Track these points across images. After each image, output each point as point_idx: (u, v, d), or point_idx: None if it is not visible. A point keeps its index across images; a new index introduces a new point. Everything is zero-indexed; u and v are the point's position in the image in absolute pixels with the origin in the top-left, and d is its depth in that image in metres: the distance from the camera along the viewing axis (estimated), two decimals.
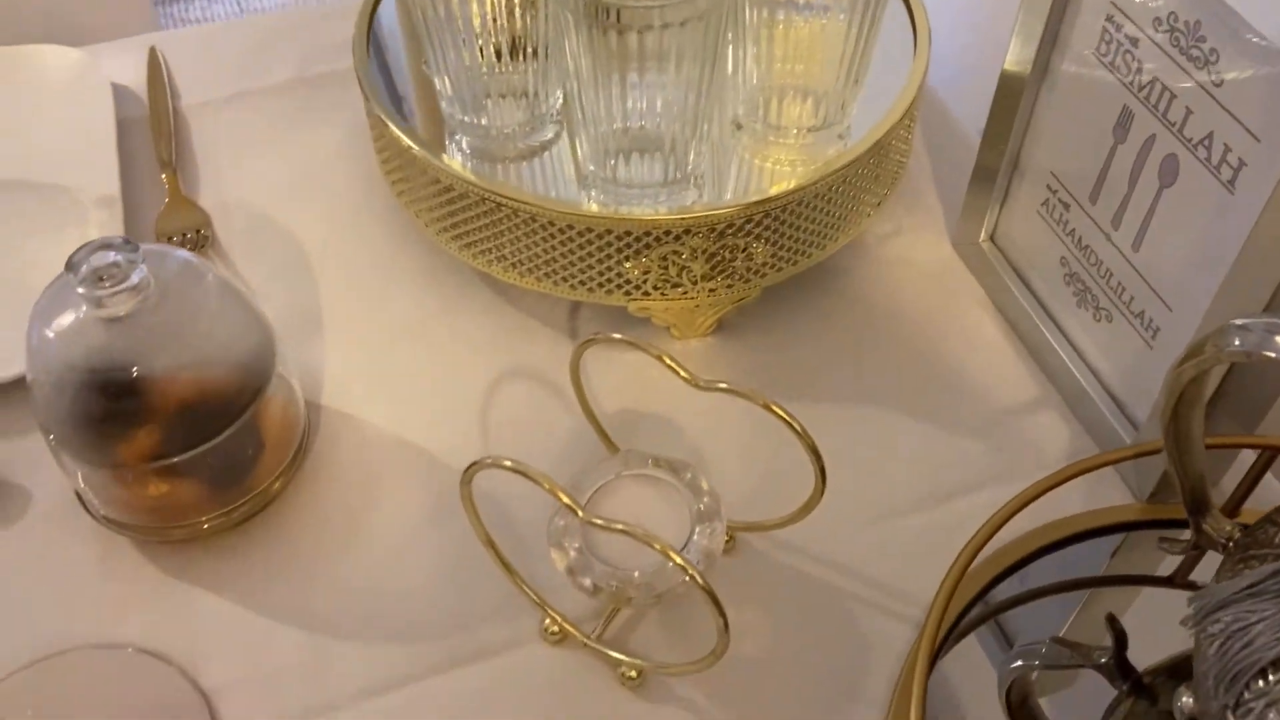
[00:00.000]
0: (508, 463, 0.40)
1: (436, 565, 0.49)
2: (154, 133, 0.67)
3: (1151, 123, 0.45)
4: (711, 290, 0.55)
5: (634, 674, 0.45)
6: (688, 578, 0.39)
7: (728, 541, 0.50)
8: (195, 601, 0.48)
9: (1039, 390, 0.56)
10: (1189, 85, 0.43)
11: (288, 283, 0.61)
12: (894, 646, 0.47)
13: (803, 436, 0.42)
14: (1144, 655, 0.43)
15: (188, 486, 0.48)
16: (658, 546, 0.38)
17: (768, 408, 0.42)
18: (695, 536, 0.45)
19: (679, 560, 0.38)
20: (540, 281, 0.55)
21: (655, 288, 0.54)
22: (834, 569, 0.49)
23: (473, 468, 0.41)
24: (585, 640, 0.46)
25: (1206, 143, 0.43)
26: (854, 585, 0.49)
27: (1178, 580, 0.52)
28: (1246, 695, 0.36)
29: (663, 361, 0.43)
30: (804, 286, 0.60)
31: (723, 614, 0.39)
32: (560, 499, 0.39)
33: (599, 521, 0.39)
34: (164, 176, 0.65)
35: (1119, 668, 0.43)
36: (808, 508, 0.45)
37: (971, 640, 0.49)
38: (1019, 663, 0.49)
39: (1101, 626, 0.46)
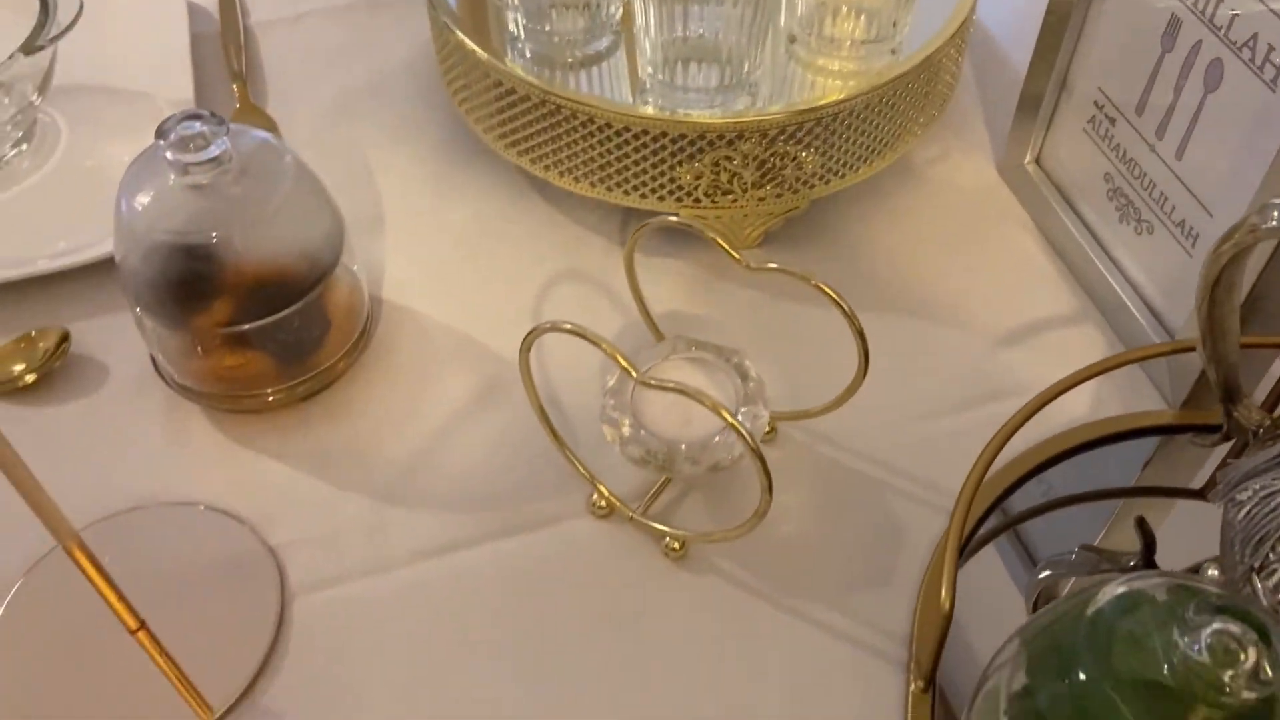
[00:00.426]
0: (567, 325, 0.42)
1: (489, 445, 0.52)
2: (225, 46, 0.70)
3: (1198, 29, 0.47)
4: (760, 199, 0.57)
5: (677, 545, 0.47)
6: (735, 437, 0.40)
7: (769, 432, 0.51)
8: (261, 468, 0.51)
9: (1078, 305, 0.57)
10: None
11: (350, 189, 0.63)
12: (926, 535, 0.49)
13: (850, 318, 0.44)
14: (1173, 563, 0.45)
15: (257, 359, 0.50)
16: (708, 403, 0.40)
17: (817, 286, 0.44)
18: (740, 416, 0.46)
19: (728, 417, 0.40)
20: (594, 187, 0.57)
21: (706, 194, 0.56)
22: (870, 463, 0.51)
23: (533, 333, 0.43)
24: (631, 514, 0.48)
25: (1251, 44, 0.44)
26: (890, 478, 0.51)
27: (1208, 493, 0.53)
28: (1271, 557, 0.37)
29: (716, 242, 0.45)
30: (850, 205, 0.61)
31: (767, 472, 0.41)
32: (618, 360, 0.41)
33: (653, 382, 0.41)
34: (234, 87, 0.67)
35: (1147, 570, 0.44)
36: (850, 391, 0.47)
37: (999, 559, 0.50)
38: (1048, 572, 0.50)
39: (1132, 538, 0.47)
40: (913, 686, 0.43)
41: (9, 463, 0.38)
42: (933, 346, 0.56)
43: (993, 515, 0.50)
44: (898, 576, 0.47)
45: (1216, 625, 0.30)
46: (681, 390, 0.40)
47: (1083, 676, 0.33)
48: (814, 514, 0.49)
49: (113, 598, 0.43)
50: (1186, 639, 0.31)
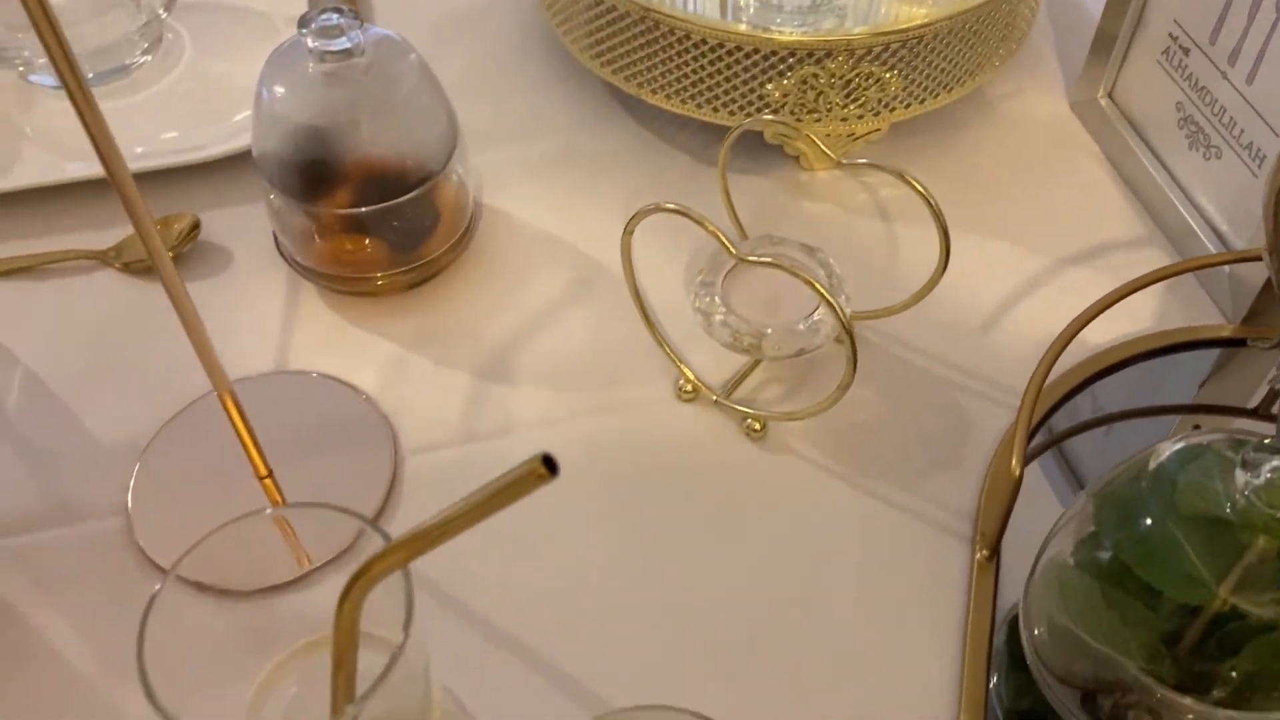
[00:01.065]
0: (670, 205, 0.45)
1: (581, 333, 0.56)
2: None
3: None
4: (844, 119, 0.60)
5: (758, 426, 0.51)
6: (819, 324, 0.44)
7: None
8: (370, 346, 0.55)
9: (1146, 232, 0.59)
10: None
11: (453, 103, 0.67)
12: (993, 428, 0.52)
13: (936, 215, 0.47)
14: None
15: (372, 244, 0.54)
16: (804, 276, 0.43)
17: (907, 181, 0.47)
18: (822, 309, 0.50)
19: (821, 289, 0.43)
20: (685, 104, 0.60)
21: (793, 112, 0.59)
22: (940, 363, 0.54)
23: (636, 216, 0.47)
24: (715, 397, 0.52)
25: None
26: (959, 377, 0.54)
27: (1261, 411, 0.56)
28: None
29: (808, 138, 0.48)
30: (927, 133, 0.64)
31: (853, 344, 0.44)
32: (719, 238, 0.45)
33: (752, 258, 0.44)
34: (343, 6, 0.71)
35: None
36: (931, 284, 0.50)
37: (1049, 488, 0.52)
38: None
39: None
40: (978, 556, 0.47)
41: (187, 316, 0.42)
42: (1002, 265, 0.58)
43: (1042, 432, 0.53)
44: (965, 462, 0.51)
45: (1276, 461, 0.33)
46: (778, 264, 0.43)
47: (1148, 520, 0.36)
48: (886, 405, 0.53)
49: (250, 444, 0.47)
50: (1247, 475, 0.34)
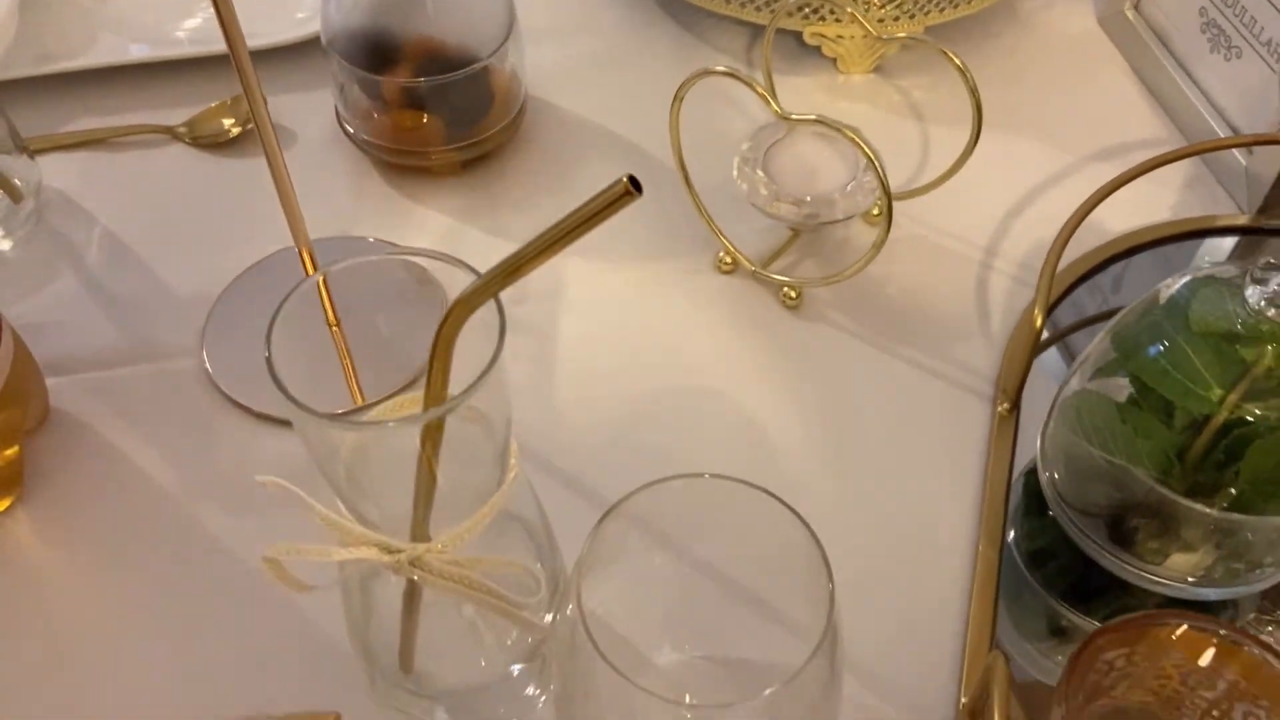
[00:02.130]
0: (720, 68, 0.48)
1: (627, 211, 0.58)
2: None
3: None
4: (880, 20, 0.62)
5: (794, 294, 0.54)
6: (856, 196, 0.47)
7: (877, 214, 0.58)
8: (425, 218, 0.58)
9: (1167, 133, 0.62)
10: None
11: None
12: (1016, 304, 0.55)
13: (967, 80, 0.50)
14: None
15: (429, 120, 0.57)
16: (848, 133, 0.46)
17: (941, 51, 0.50)
18: (858, 177, 0.53)
19: (858, 140, 0.46)
20: (728, 3, 0.63)
21: (831, 12, 0.62)
22: (967, 244, 0.57)
23: (687, 83, 0.50)
24: (753, 268, 0.55)
25: None
26: (986, 258, 0.57)
27: None
28: None
29: (852, 14, 0.51)
30: (959, 40, 0.67)
31: (888, 195, 0.47)
32: (769, 101, 0.48)
33: (795, 116, 0.47)
34: None
35: None
36: (963, 158, 0.53)
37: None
38: None
39: None
40: (999, 409, 0.49)
41: (278, 169, 0.45)
42: (1027, 160, 0.61)
43: (1054, 325, 0.55)
44: (988, 330, 0.53)
45: None
46: (822, 120, 0.46)
47: (1162, 340, 0.39)
48: (915, 281, 0.56)
49: (324, 293, 0.51)
50: (1256, 288, 0.36)
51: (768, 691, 0.29)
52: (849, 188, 0.52)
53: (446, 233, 0.58)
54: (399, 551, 0.31)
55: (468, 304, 0.29)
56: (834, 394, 0.51)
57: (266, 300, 0.53)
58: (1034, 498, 0.48)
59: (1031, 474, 0.48)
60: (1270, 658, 0.32)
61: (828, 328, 0.54)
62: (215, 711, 0.41)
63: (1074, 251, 0.55)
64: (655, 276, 0.56)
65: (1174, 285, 0.40)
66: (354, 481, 0.32)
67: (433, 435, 0.29)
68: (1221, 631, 0.33)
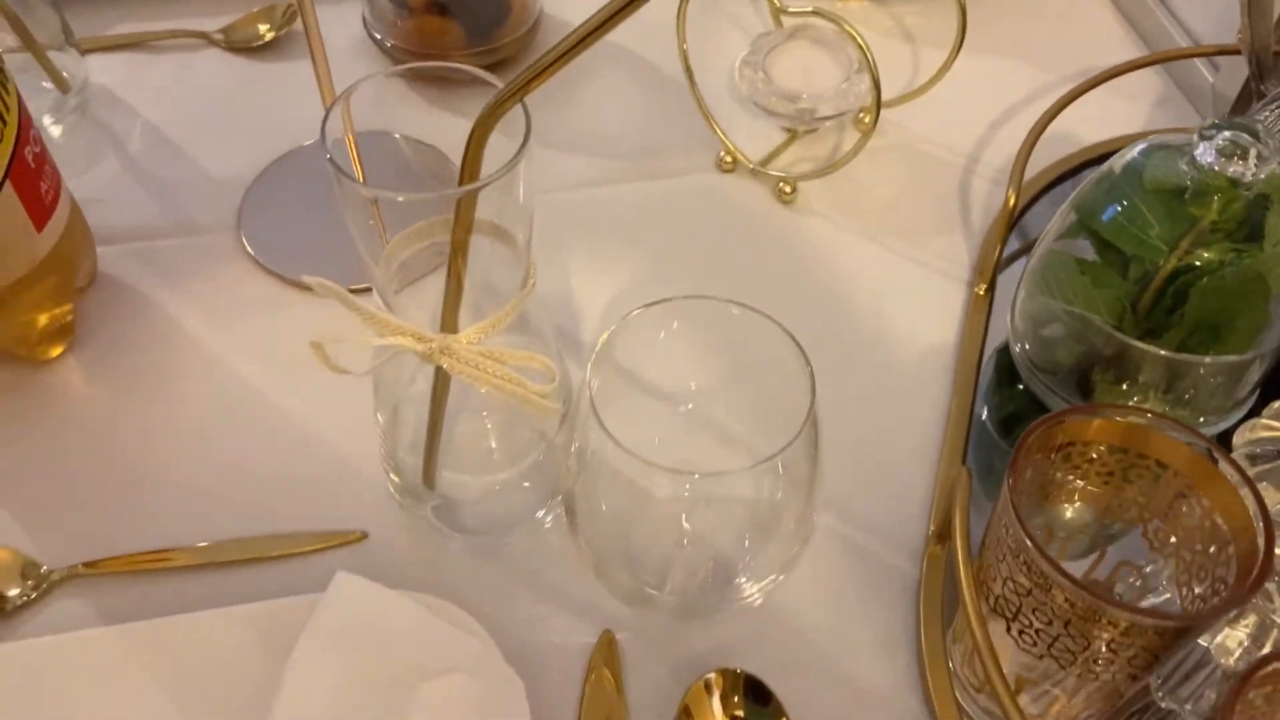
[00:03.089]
0: None
1: (633, 110, 0.63)
2: None
3: None
4: None
5: (789, 189, 0.58)
6: (849, 96, 0.51)
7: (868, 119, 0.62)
8: (445, 122, 0.62)
9: (1139, 52, 0.66)
10: None
11: None
12: (993, 204, 0.58)
13: None
14: None
15: (451, 27, 0.61)
16: (842, 24, 0.50)
17: None
18: (851, 78, 0.57)
19: (851, 30, 0.50)
20: None
21: None
22: (951, 152, 0.61)
23: None
24: (752, 166, 0.59)
25: None
26: (967, 163, 0.61)
27: None
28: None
29: None
30: None
31: (877, 85, 0.51)
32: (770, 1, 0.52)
33: (793, 8, 0.51)
34: None
35: None
36: (947, 64, 0.57)
37: None
38: None
39: None
40: (976, 290, 0.53)
41: (317, 52, 0.49)
42: (1009, 78, 0.65)
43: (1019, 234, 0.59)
44: (969, 225, 0.57)
45: (1227, 132, 0.40)
46: (818, 11, 0.50)
47: (1119, 200, 0.43)
48: (902, 182, 0.60)
49: (356, 161, 0.55)
50: (1203, 146, 0.40)
51: (760, 462, 0.33)
52: (843, 86, 0.56)
53: (464, 136, 0.61)
54: (430, 340, 0.35)
55: (499, 104, 0.33)
56: (823, 279, 0.55)
57: (298, 184, 0.58)
58: (1004, 372, 0.52)
59: (1002, 352, 0.52)
60: (1191, 437, 0.34)
61: (819, 220, 0.58)
62: (249, 528, 0.45)
63: (1049, 160, 0.59)
64: (659, 173, 0.60)
65: (1130, 153, 0.44)
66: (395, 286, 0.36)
67: (464, 220, 0.33)
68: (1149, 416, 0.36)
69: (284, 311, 0.53)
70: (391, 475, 0.43)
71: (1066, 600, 0.32)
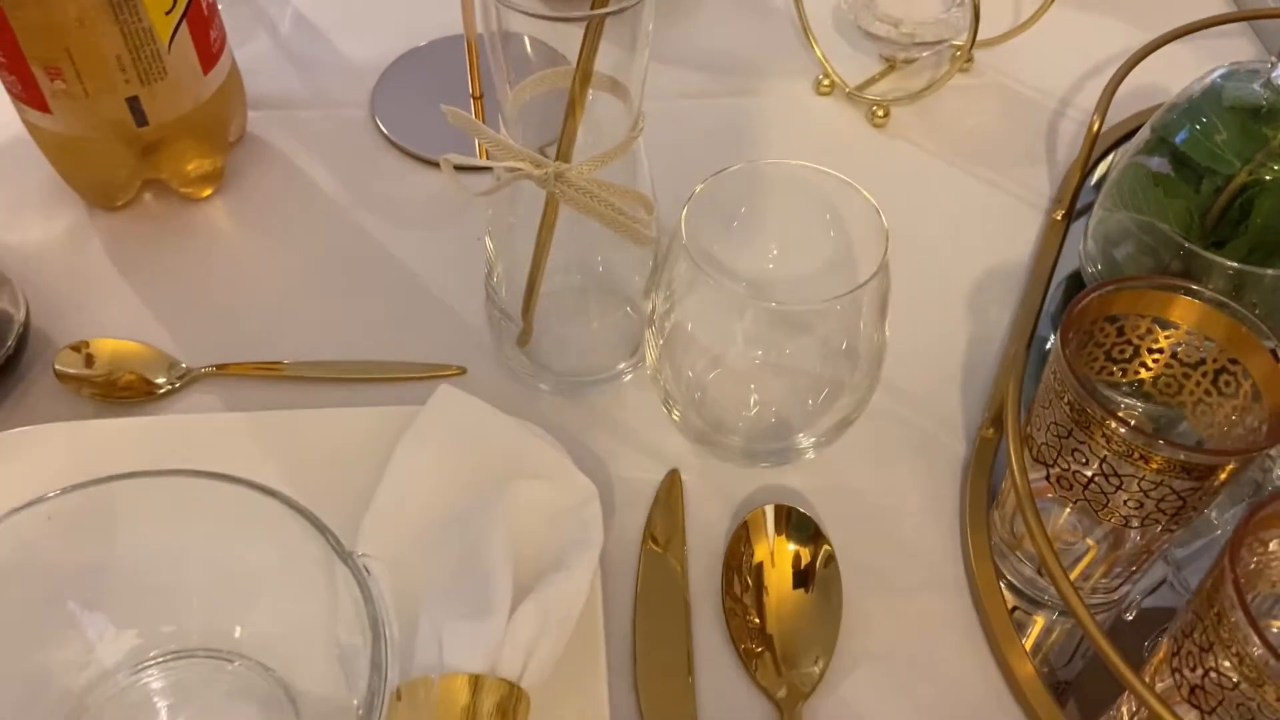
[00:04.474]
0: None
1: (741, 31, 0.66)
2: None
3: None
4: None
5: (882, 113, 0.61)
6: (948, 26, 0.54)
7: (967, 61, 0.64)
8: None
9: (1238, 26, 0.68)
10: None
11: None
12: (1080, 143, 0.61)
13: None
14: None
15: None
16: None
17: None
18: (951, 10, 0.60)
19: None
20: None
21: None
22: (1043, 94, 0.64)
23: None
24: (849, 90, 0.62)
25: None
26: (1058, 105, 0.63)
27: None
28: None
29: None
30: None
31: (975, 9, 0.54)
32: None
33: None
34: None
35: None
36: (1043, 9, 0.59)
37: None
38: None
39: None
40: (1055, 215, 0.56)
41: None
42: (1107, 32, 0.67)
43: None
44: (1052, 161, 0.60)
45: None
46: None
47: (1198, 116, 0.45)
48: (992, 116, 0.62)
49: (471, 66, 0.59)
50: (1279, 70, 0.43)
51: (837, 299, 0.37)
52: (944, 16, 0.59)
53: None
54: (547, 166, 0.39)
55: None
56: (906, 198, 0.58)
57: (427, 74, 0.63)
58: (1074, 293, 0.54)
59: (1072, 278, 0.54)
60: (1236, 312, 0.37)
61: (908, 145, 0.61)
62: (362, 353, 0.50)
63: (1132, 111, 0.62)
64: (758, 92, 0.64)
65: (1211, 75, 0.46)
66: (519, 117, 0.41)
67: (591, 46, 0.37)
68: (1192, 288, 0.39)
69: (406, 179, 0.58)
70: (497, 298, 0.47)
71: (1104, 436, 0.35)
